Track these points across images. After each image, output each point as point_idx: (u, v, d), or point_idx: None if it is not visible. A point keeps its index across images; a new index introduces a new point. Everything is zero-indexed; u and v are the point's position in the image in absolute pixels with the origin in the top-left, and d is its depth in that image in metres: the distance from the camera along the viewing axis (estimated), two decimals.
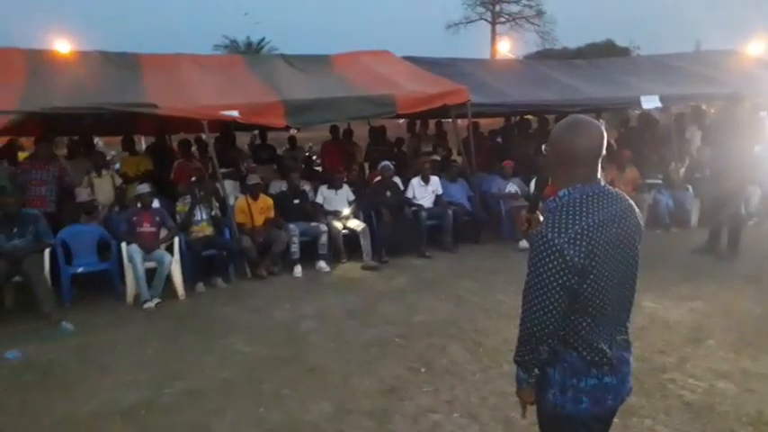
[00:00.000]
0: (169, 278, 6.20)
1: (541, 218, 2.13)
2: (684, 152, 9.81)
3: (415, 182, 8.20)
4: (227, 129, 9.12)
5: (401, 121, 12.07)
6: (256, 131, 11.14)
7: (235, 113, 6.75)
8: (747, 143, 6.84)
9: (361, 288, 6.44)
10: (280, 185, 8.13)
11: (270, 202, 7.35)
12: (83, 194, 6.81)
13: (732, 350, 4.34)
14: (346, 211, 7.73)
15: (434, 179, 8.25)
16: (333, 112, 7.55)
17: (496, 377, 4.02)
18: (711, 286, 5.85)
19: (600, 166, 1.87)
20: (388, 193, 7.99)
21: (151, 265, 6.14)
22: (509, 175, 8.62)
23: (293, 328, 5.26)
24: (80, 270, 6.22)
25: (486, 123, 12.65)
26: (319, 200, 7.82)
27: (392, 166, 8.28)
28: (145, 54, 8.58)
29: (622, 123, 11.73)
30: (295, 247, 7.04)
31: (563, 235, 1.73)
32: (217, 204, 7.10)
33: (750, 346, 4.39)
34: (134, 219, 6.39)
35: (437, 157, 9.62)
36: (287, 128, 8.74)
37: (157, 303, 5.95)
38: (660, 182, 9.01)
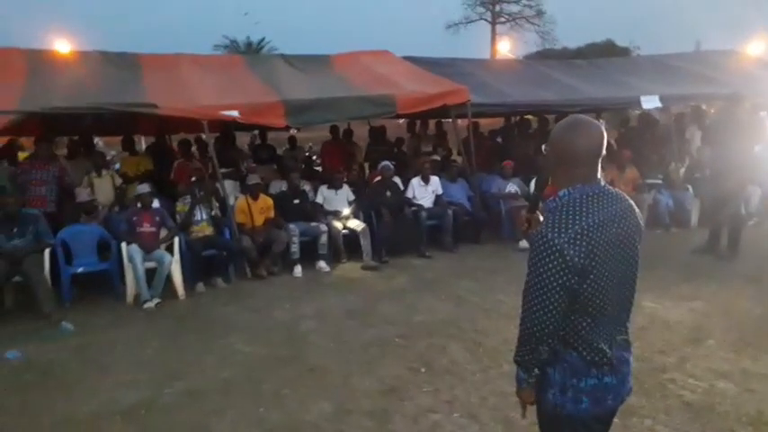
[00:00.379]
0: (169, 278, 6.20)
1: (541, 218, 2.13)
2: (684, 152, 9.81)
3: (415, 182, 8.20)
4: (227, 129, 9.12)
5: (401, 121, 12.07)
6: (256, 131, 11.14)
7: (235, 113, 6.75)
8: (747, 143, 6.84)
9: (362, 288, 6.44)
10: (280, 185, 8.13)
11: (270, 202, 7.35)
12: (83, 194, 6.81)
13: (732, 350, 4.34)
14: (346, 211, 7.73)
15: (434, 179, 8.25)
16: (333, 112, 7.54)
17: (496, 377, 4.02)
18: (711, 286, 5.85)
19: (600, 166, 1.87)
20: (388, 193, 7.99)
21: (151, 265, 6.14)
22: (509, 175, 8.63)
23: (293, 328, 5.26)
24: (80, 270, 6.22)
25: (486, 123, 12.65)
26: (319, 200, 7.82)
27: (392, 167, 8.28)
28: (145, 54, 8.58)
29: (623, 123, 11.73)
30: (295, 247, 7.04)
31: (563, 235, 1.73)
32: (217, 204, 7.10)
33: (750, 346, 4.39)
34: (134, 219, 6.39)
35: (437, 157, 9.62)
36: (287, 128, 8.74)
37: (157, 303, 5.95)
38: (660, 182, 9.01)
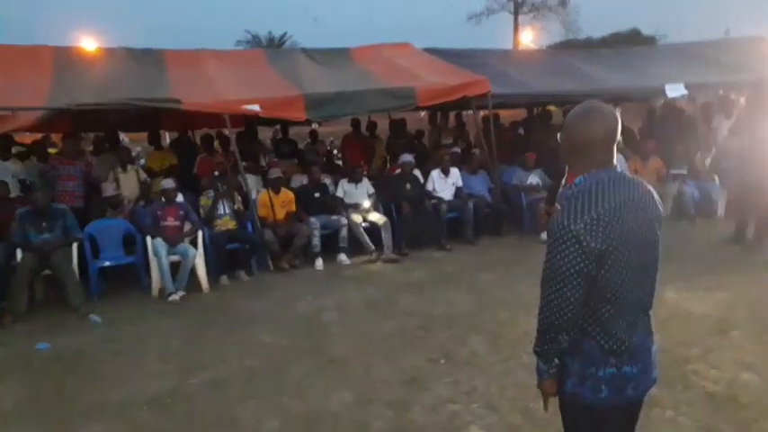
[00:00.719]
0: (193, 271, 6.30)
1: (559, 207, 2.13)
2: (711, 142, 9.62)
3: (436, 174, 8.19)
4: (249, 124, 9.21)
5: (422, 113, 12.04)
6: (278, 126, 11.22)
7: (256, 108, 6.82)
8: None
9: (382, 280, 6.47)
10: (301, 179, 8.19)
11: (291, 195, 7.41)
12: (109, 189, 6.94)
13: (757, 342, 4.27)
14: (366, 204, 7.76)
15: (455, 171, 8.23)
16: (353, 106, 7.55)
17: (516, 368, 4.02)
18: (737, 278, 5.75)
19: (615, 151, 1.86)
20: (408, 186, 8.00)
21: (175, 258, 6.25)
22: (531, 166, 8.56)
23: (315, 319, 5.32)
24: (107, 264, 6.36)
25: (508, 115, 12.55)
26: (340, 193, 7.86)
27: (413, 160, 8.27)
28: (169, 50, 8.68)
29: (649, 114, 11.52)
30: (316, 240, 7.10)
31: (579, 221, 1.73)
32: (239, 198, 7.18)
33: None
34: (158, 213, 6.51)
35: (457, 150, 9.59)
36: (308, 122, 8.79)
37: (182, 296, 6.06)
38: (685, 172, 8.86)
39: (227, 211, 6.94)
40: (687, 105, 10.47)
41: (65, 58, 7.79)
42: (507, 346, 4.43)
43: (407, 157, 8.26)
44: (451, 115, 11.73)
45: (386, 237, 7.40)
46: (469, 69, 8.55)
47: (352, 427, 3.41)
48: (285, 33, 40.31)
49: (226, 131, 8.16)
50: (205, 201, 6.95)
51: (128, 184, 7.42)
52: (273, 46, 37.07)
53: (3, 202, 6.31)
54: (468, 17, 39.31)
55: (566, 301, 1.77)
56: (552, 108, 11.62)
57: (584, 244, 1.72)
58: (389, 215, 7.68)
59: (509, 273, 6.41)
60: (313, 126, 10.93)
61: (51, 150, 8.89)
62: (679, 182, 8.64)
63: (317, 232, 7.11)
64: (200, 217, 6.78)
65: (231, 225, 6.91)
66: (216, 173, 7.29)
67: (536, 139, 10.44)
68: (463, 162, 8.72)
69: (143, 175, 7.77)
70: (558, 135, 1.96)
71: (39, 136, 9.34)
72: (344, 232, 7.27)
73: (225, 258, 6.67)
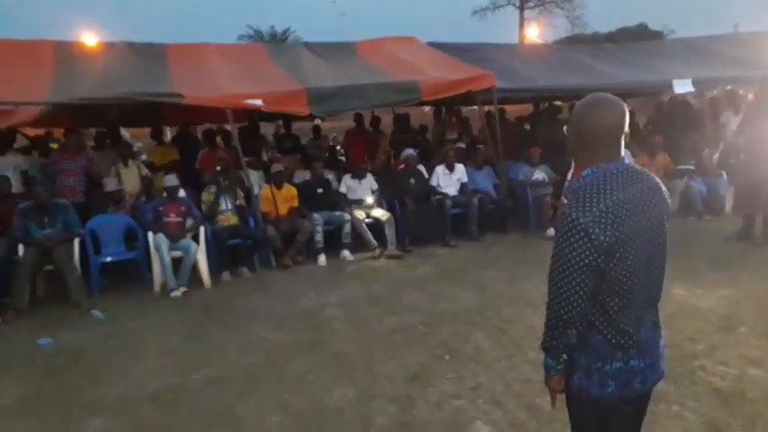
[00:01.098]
0: (195, 267, 6.27)
1: (565, 201, 2.10)
2: (719, 137, 9.53)
3: (440, 170, 8.13)
4: (251, 118, 9.17)
5: (427, 108, 11.98)
6: (281, 121, 11.18)
7: (258, 102, 6.78)
8: None
9: (385, 277, 6.43)
10: (304, 175, 8.15)
11: (294, 191, 7.38)
12: (110, 184, 6.91)
13: (764, 337, 4.21)
14: (370, 200, 7.71)
15: (459, 167, 8.17)
16: (357, 100, 7.49)
17: (521, 364, 3.98)
18: (744, 274, 5.69)
19: (623, 143, 1.84)
20: (412, 181, 7.94)
21: (177, 254, 6.23)
22: (536, 162, 8.49)
23: (317, 315, 5.28)
24: (108, 259, 6.35)
25: (514, 110, 12.48)
26: (343, 189, 7.82)
27: (416, 155, 8.22)
28: (170, 44, 8.65)
29: (657, 109, 11.45)
30: (319, 236, 7.06)
31: (587, 214, 1.72)
32: (242, 194, 7.15)
33: None
34: (160, 208, 6.48)
35: (462, 145, 9.53)
36: (311, 117, 8.74)
37: (184, 292, 6.03)
38: (692, 168, 8.79)
39: (230, 207, 6.91)
40: (695, 101, 10.39)
41: (66, 52, 7.79)
42: (512, 342, 4.39)
43: (410, 151, 8.21)
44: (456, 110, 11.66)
45: (389, 233, 7.35)
46: (474, 64, 8.50)
47: (355, 423, 3.37)
48: (288, 28, 40.31)
49: (227, 126, 8.12)
50: (207, 196, 6.92)
51: (129, 179, 7.40)
52: (276, 41, 37.01)
53: (4, 198, 6.28)
54: (474, 12, 39.19)
55: (574, 295, 1.75)
56: (559, 103, 11.55)
57: (593, 237, 1.70)
58: (393, 211, 7.64)
59: (513, 269, 6.36)
60: (316, 122, 10.89)
61: (53, 146, 8.88)
62: (686, 178, 8.57)
63: (319, 228, 7.07)
64: (201, 212, 6.75)
65: (233, 221, 6.88)
66: (218, 168, 7.25)
67: (542, 134, 10.39)
68: (468, 157, 8.66)
69: (144, 171, 7.74)
70: (565, 127, 1.93)
71: (41, 131, 9.32)
72: (347, 228, 7.24)
73: (227, 254, 6.63)
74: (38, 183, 6.26)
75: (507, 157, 8.84)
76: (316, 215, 7.16)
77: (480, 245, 7.58)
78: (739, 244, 6.75)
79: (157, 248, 6.10)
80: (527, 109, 12.68)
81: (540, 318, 1.86)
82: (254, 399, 3.73)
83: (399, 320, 5.00)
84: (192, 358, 4.43)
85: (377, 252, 7.22)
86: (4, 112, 7.28)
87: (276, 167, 7.35)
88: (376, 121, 10.51)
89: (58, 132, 9.18)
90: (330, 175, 8.14)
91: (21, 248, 5.80)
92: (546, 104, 11.65)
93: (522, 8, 37.87)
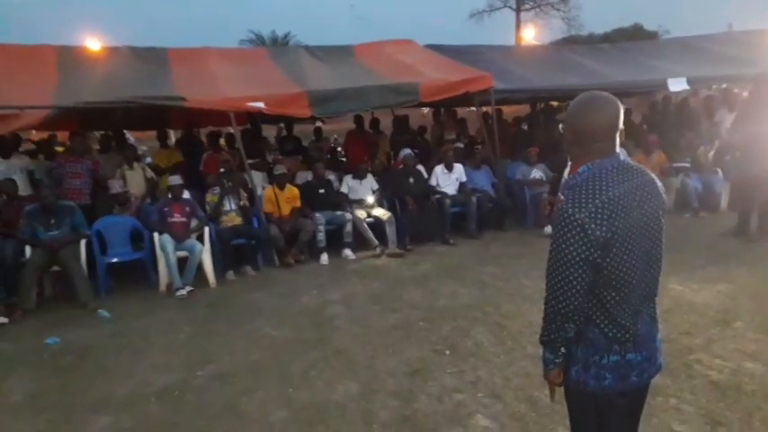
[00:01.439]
0: (200, 267, 6.36)
1: (562, 197, 2.15)
2: (714, 135, 9.62)
3: (439, 169, 8.22)
4: (253, 121, 9.25)
5: (425, 110, 12.05)
6: (282, 124, 11.26)
7: (260, 105, 6.85)
8: None
9: (386, 275, 6.51)
10: (305, 176, 8.23)
11: (296, 191, 7.46)
12: (116, 186, 6.99)
13: (761, 331, 4.28)
14: (370, 199, 7.80)
15: (458, 166, 8.26)
16: (356, 102, 7.57)
17: (520, 358, 4.06)
18: (740, 269, 5.76)
19: (618, 140, 1.87)
20: (411, 181, 8.03)
21: (182, 254, 6.31)
22: (534, 161, 8.57)
23: (320, 313, 5.36)
24: (115, 260, 6.43)
25: (511, 111, 12.57)
26: (344, 189, 7.92)
27: (414, 155, 8.31)
28: (173, 48, 8.72)
29: (651, 108, 11.52)
30: (321, 236, 7.15)
31: (584, 210, 1.74)
32: (245, 195, 7.23)
33: None
34: (165, 209, 6.56)
35: (460, 145, 9.61)
36: (312, 119, 8.82)
37: (189, 291, 6.11)
38: (688, 165, 8.87)
39: (233, 208, 7.00)
40: (690, 99, 10.47)
41: (69, 57, 7.83)
42: (511, 337, 4.47)
43: (407, 152, 8.30)
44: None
45: (390, 232, 7.44)
46: (472, 66, 8.57)
47: (358, 417, 3.45)
48: (288, 33, 40.37)
49: (230, 129, 8.19)
50: (211, 197, 7.01)
51: (134, 181, 7.48)
52: (277, 45, 37.09)
53: (11, 200, 6.37)
54: (471, 14, 39.28)
55: (572, 290, 1.78)
56: (555, 103, 11.63)
57: (590, 232, 1.73)
58: (393, 210, 7.72)
59: (512, 266, 6.44)
60: (317, 123, 10.97)
61: (58, 149, 8.96)
62: (682, 175, 8.65)
63: (321, 228, 7.16)
64: (206, 213, 6.84)
65: (237, 221, 6.96)
66: (222, 170, 7.35)
67: (539, 134, 10.47)
68: (467, 157, 8.75)
69: (149, 173, 7.83)
70: (561, 126, 1.98)
71: (46, 135, 9.41)
72: (349, 227, 7.32)
73: (231, 254, 6.72)
74: (44, 185, 6.35)
75: (505, 157, 8.93)
76: (318, 215, 7.25)
77: (479, 243, 7.67)
78: (735, 240, 6.83)
79: (163, 249, 6.19)
80: (524, 110, 12.76)
81: (538, 313, 1.91)
82: (259, 394, 3.81)
83: (400, 317, 5.08)
84: (198, 355, 4.51)
85: (378, 250, 7.30)
86: (10, 116, 7.38)
87: (279, 169, 7.44)
88: (376, 122, 10.62)
89: (62, 136, 9.28)
90: (331, 176, 8.23)
91: (28, 250, 5.89)
92: (543, 105, 11.72)
93: (518, 10, 37.94)
